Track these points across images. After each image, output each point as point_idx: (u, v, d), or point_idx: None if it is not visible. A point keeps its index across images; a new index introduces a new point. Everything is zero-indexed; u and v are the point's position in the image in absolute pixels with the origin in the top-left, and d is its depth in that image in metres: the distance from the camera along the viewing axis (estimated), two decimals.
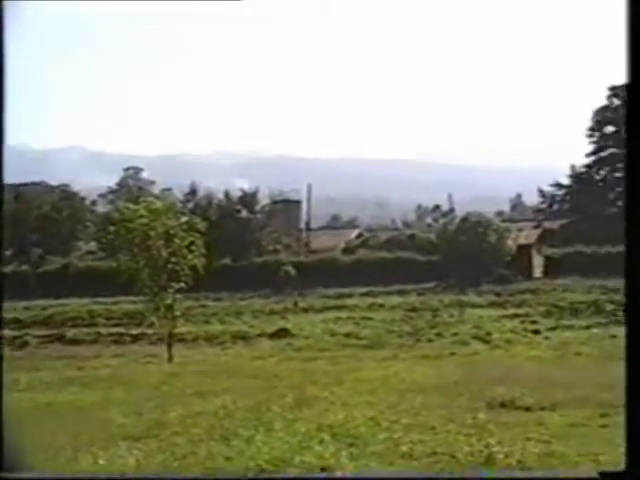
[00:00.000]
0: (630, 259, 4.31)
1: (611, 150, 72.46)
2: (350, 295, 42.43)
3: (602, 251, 51.13)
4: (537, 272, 50.68)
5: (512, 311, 31.50)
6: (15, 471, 4.94)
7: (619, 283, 41.73)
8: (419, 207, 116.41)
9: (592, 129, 73.16)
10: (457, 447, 10.62)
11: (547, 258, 51.81)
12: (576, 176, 74.33)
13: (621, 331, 23.80)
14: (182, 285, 22.48)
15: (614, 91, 72.60)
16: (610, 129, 72.88)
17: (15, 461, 5.19)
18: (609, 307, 31.32)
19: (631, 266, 4.28)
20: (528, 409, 13.35)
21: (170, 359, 21.48)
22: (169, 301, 22.68)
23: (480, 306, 34.26)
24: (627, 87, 4.14)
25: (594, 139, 73.06)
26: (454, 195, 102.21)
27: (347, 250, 58.68)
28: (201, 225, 23.42)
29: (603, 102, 73.15)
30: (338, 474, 9.42)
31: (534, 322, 27.18)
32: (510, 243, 51.72)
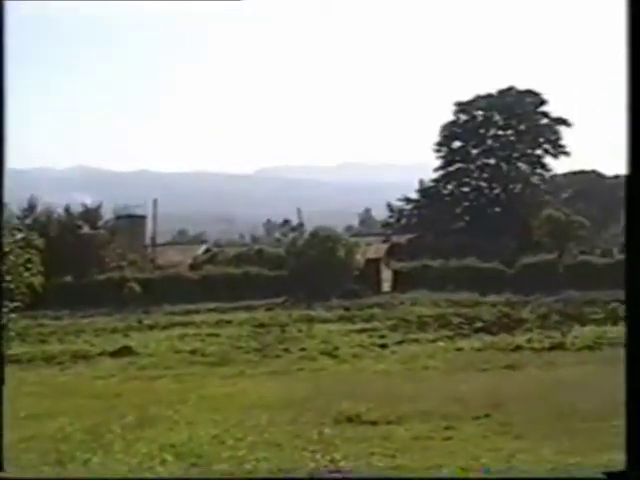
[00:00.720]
0: (630, 262, 4.44)
1: (458, 165, 74.88)
2: (197, 311, 42.05)
3: (449, 265, 52.72)
4: (386, 286, 51.69)
5: (360, 325, 31.97)
6: None
7: (465, 296, 43.12)
8: (268, 222, 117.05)
9: (440, 144, 75.31)
10: (302, 463, 10.71)
11: (395, 272, 52.92)
12: (424, 190, 76.41)
13: (466, 344, 24.58)
14: (18, 304, 21.70)
15: (461, 107, 75.13)
16: (457, 144, 75.29)
17: None
18: (455, 320, 32.26)
19: (631, 268, 4.41)
20: (374, 423, 13.60)
21: (2, 381, 20.64)
22: (3, 321, 21.83)
23: (329, 321, 34.61)
24: (628, 86, 4.27)
25: (442, 154, 75.25)
26: (304, 210, 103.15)
27: (194, 266, 58.20)
28: (39, 241, 22.66)
29: (450, 117, 75.54)
30: (337, 474, 9.65)
31: (382, 336, 27.63)
32: (359, 257, 52.61)
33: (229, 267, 54.72)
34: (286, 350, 24.66)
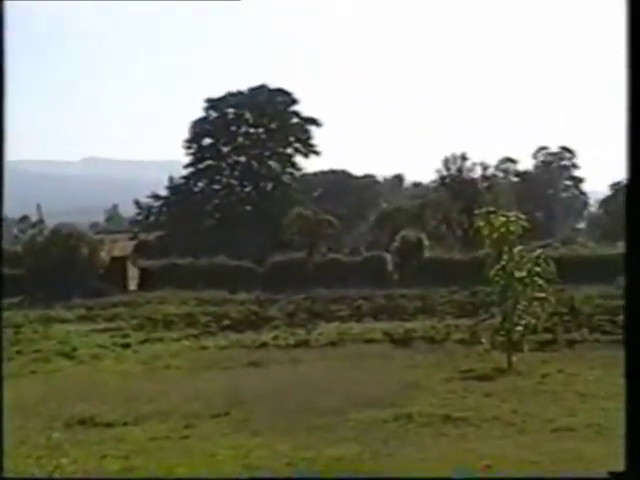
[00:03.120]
0: (630, 261, 4.36)
1: (208, 162, 75.08)
2: None
3: (199, 263, 52.62)
4: (132, 284, 50.78)
5: (103, 325, 31.16)
6: None
7: (214, 294, 42.93)
8: (5, 219, 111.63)
9: (190, 141, 75.14)
10: (27, 471, 10.21)
11: (143, 270, 52.13)
12: (174, 188, 75.98)
13: (212, 342, 24.43)
14: None
15: (211, 103, 75.32)
16: (207, 141, 75.47)
17: None
18: (203, 319, 32.23)
19: (631, 267, 4.32)
20: (109, 425, 13.26)
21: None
22: None
23: (69, 321, 33.47)
24: (627, 86, 4.15)
25: (192, 151, 75.12)
26: (45, 206, 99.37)
27: None
28: None
29: (200, 114, 75.50)
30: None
31: (125, 336, 27.04)
32: (104, 255, 51.36)
33: None
34: (19, 352, 23.50)
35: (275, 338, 25.12)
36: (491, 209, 19.86)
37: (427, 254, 52.61)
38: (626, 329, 4.89)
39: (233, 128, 75.44)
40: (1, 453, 4.67)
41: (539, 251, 19.22)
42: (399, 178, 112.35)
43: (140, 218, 77.56)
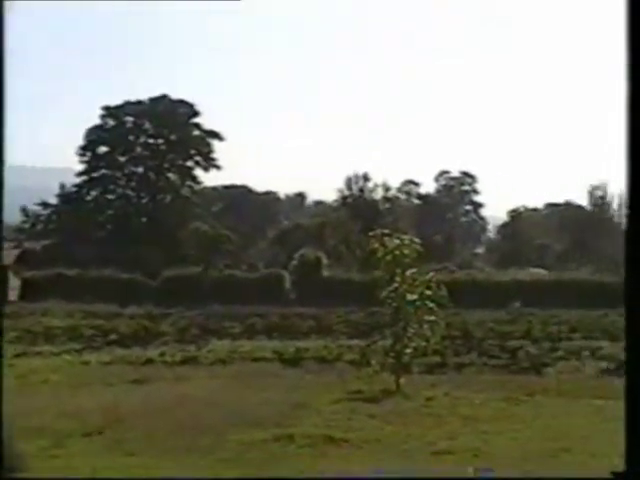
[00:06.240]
0: (630, 266, 4.26)
1: (103, 171, 73.64)
2: None
3: (88, 274, 51.50)
4: (13, 295, 49.32)
5: None
6: None
7: (103, 308, 41.85)
8: None
9: (84, 148, 73.59)
10: None
11: (25, 280, 50.75)
12: (65, 196, 74.19)
13: (95, 357, 23.76)
14: None
15: (108, 111, 74.04)
16: (103, 149, 74.03)
17: None
18: (88, 332, 31.59)
19: (631, 272, 4.22)
20: None
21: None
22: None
23: None
24: (627, 85, 4.04)
25: (86, 159, 73.61)
26: None
27: None
28: None
29: (97, 121, 74.08)
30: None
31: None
32: None
33: None
34: None
35: (162, 354, 24.72)
36: (385, 231, 19.95)
37: (326, 273, 52.64)
38: (627, 328, 5.00)
39: (131, 138, 74.27)
40: (1, 453, 4.58)
41: (430, 274, 19.41)
42: (301, 196, 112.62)
43: (26, 226, 75.37)
